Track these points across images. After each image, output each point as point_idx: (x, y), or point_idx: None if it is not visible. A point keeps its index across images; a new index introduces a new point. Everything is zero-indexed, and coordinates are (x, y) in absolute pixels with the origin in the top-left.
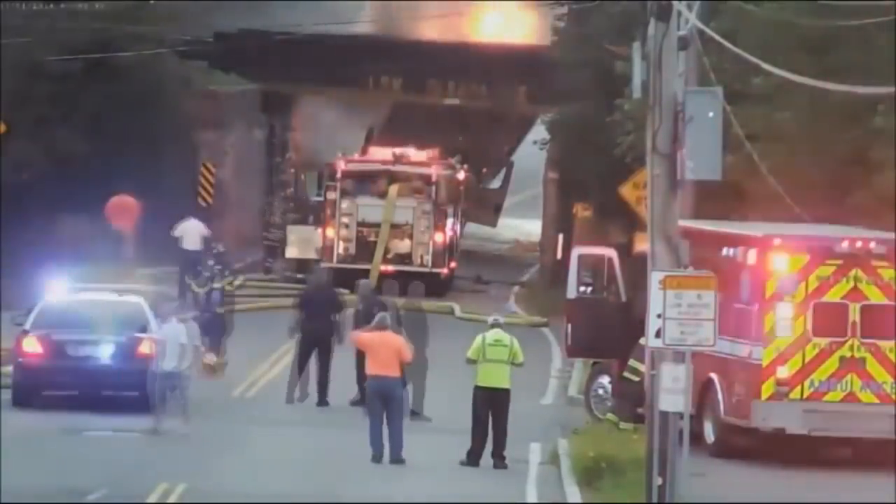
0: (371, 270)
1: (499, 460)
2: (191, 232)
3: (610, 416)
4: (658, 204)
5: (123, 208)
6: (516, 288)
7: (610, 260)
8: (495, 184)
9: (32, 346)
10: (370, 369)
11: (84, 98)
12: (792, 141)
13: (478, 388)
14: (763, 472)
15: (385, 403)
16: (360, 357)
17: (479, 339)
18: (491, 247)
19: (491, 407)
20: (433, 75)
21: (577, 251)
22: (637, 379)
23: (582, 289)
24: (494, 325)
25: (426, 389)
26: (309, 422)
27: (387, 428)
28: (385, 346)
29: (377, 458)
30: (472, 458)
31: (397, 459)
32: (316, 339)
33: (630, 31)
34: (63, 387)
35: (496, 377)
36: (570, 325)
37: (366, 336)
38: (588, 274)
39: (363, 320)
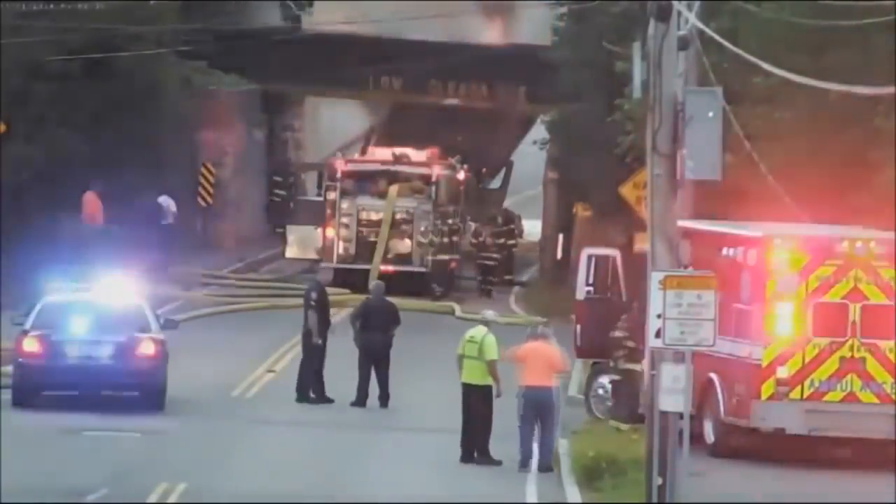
0: (371, 270)
1: (482, 457)
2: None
3: (613, 422)
4: (658, 204)
5: (88, 204)
6: (516, 288)
7: (614, 260)
8: (495, 184)
9: (32, 346)
10: (524, 380)
11: (84, 98)
12: (791, 141)
13: (462, 385)
14: (763, 472)
15: (539, 413)
16: (364, 361)
17: (464, 335)
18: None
19: (469, 403)
20: (433, 75)
21: (586, 252)
22: (621, 378)
23: (587, 289)
24: (482, 321)
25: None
26: (309, 422)
27: (539, 436)
28: (539, 357)
29: (525, 463)
30: (462, 456)
31: (547, 467)
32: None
33: (630, 31)
34: (63, 387)
35: (469, 373)
36: (578, 326)
37: (517, 349)
38: (592, 274)
39: (360, 318)
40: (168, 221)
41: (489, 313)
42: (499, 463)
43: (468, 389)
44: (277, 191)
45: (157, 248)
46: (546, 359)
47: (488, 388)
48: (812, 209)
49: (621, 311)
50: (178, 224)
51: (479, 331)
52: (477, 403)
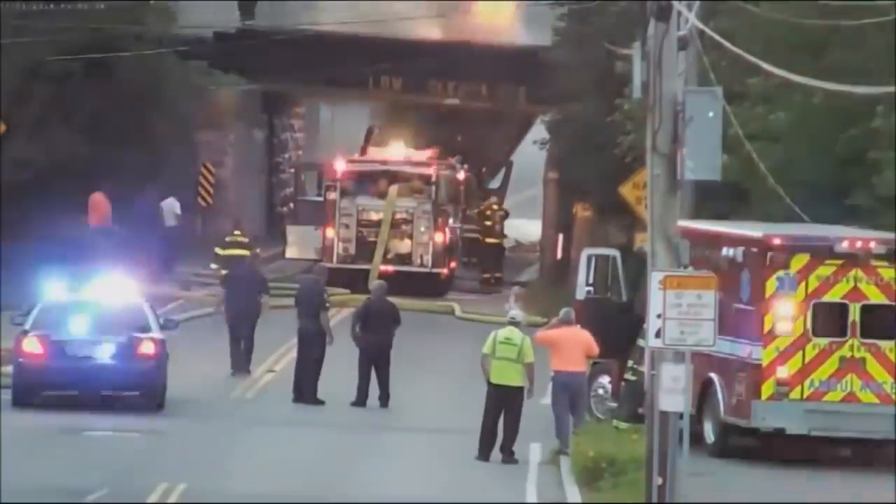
0: (371, 271)
1: (507, 455)
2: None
3: (616, 422)
4: (658, 204)
5: (98, 205)
6: (516, 288)
7: (614, 260)
8: (495, 184)
9: (32, 346)
10: (557, 364)
11: (84, 98)
12: (790, 141)
13: (489, 385)
14: (763, 472)
15: (571, 397)
16: (364, 361)
17: (492, 335)
18: None
19: (502, 404)
20: (433, 75)
21: (586, 252)
22: (634, 378)
23: (587, 289)
24: (511, 322)
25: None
26: (309, 422)
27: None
28: (573, 342)
29: (564, 450)
30: (482, 453)
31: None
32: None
33: (630, 31)
34: (63, 387)
35: (505, 375)
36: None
37: (550, 333)
38: (592, 274)
39: (361, 318)
40: (172, 223)
41: (516, 314)
42: (517, 462)
43: (502, 390)
44: None
45: (159, 249)
46: (581, 344)
47: (522, 389)
48: (812, 209)
49: (621, 311)
50: (182, 226)
51: (513, 332)
52: (512, 404)
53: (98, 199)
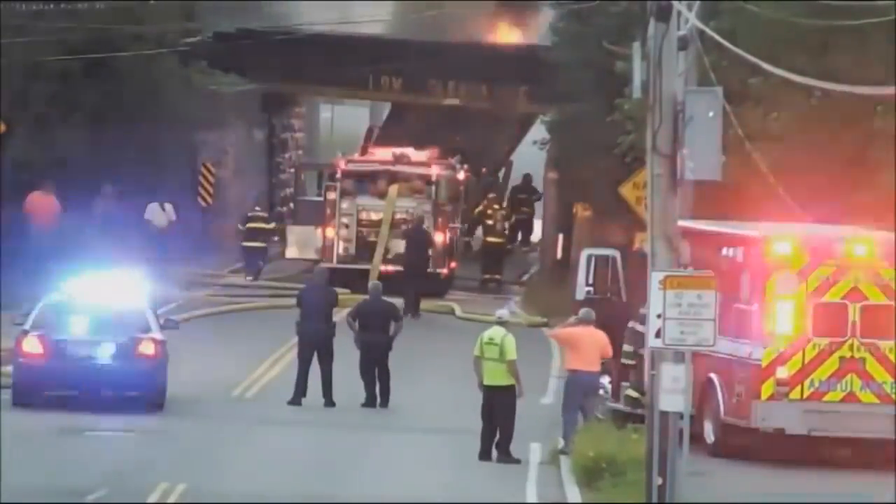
0: (371, 270)
1: (502, 455)
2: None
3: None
4: (658, 204)
5: (41, 204)
6: (516, 288)
7: (614, 260)
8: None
9: (32, 346)
10: (571, 363)
11: (84, 98)
12: (789, 141)
13: (483, 387)
14: (763, 472)
15: (585, 398)
16: (366, 361)
17: (479, 337)
18: None
19: (492, 404)
20: (433, 75)
21: (586, 252)
22: (633, 362)
23: (587, 290)
24: (497, 322)
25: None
26: (309, 422)
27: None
28: (590, 342)
29: (565, 450)
30: (482, 454)
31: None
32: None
33: (630, 31)
34: (63, 387)
35: (492, 375)
36: None
37: (569, 331)
38: (592, 274)
39: (355, 317)
40: (161, 226)
41: (503, 313)
42: (518, 461)
43: (491, 391)
44: None
45: (141, 251)
46: (598, 344)
47: (512, 388)
48: (812, 209)
49: (621, 312)
50: (171, 228)
51: (497, 332)
52: (501, 405)
53: (39, 199)
